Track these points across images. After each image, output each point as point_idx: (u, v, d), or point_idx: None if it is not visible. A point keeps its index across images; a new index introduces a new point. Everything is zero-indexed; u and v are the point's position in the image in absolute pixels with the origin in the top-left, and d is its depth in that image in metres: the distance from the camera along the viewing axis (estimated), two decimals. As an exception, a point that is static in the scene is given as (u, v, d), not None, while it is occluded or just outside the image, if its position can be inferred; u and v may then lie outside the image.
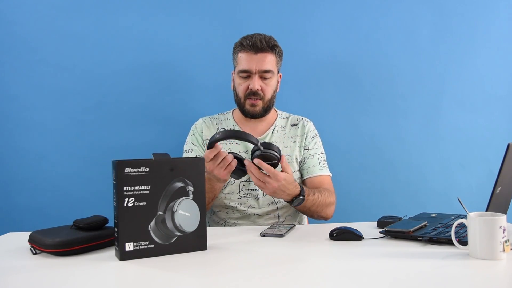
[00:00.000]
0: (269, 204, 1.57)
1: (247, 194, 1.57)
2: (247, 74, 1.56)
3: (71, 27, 1.88)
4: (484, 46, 2.02)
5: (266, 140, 1.61)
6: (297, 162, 1.63)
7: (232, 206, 1.58)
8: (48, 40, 1.88)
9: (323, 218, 1.57)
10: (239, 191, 1.57)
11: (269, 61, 1.55)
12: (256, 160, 1.30)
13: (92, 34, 1.89)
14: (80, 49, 1.89)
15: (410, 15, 2.00)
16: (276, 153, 1.33)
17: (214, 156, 1.31)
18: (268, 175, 1.31)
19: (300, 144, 1.64)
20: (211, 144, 1.31)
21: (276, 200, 1.57)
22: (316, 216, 1.55)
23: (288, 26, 1.96)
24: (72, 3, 1.88)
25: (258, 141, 1.32)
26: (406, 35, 2.00)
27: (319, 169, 1.63)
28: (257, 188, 1.56)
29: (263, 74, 1.55)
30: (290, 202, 1.42)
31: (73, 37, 1.89)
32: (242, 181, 1.56)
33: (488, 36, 2.02)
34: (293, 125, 1.68)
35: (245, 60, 1.55)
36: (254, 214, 1.57)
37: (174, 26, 1.92)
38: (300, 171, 1.65)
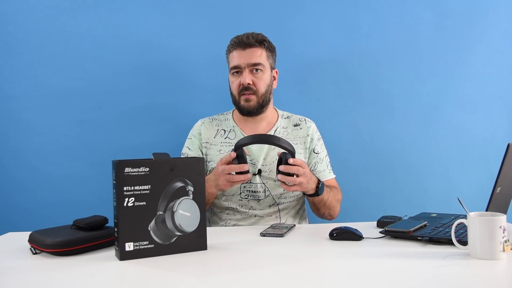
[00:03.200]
0: (270, 206, 1.57)
1: (248, 196, 1.57)
2: (238, 70, 1.57)
3: (71, 27, 1.88)
4: (484, 46, 2.02)
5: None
6: None
7: (233, 208, 1.58)
8: (48, 40, 1.88)
9: (331, 217, 1.59)
10: (240, 193, 1.57)
11: (258, 55, 1.57)
12: (291, 160, 1.32)
13: (92, 34, 1.89)
14: (80, 49, 1.89)
15: (410, 15, 2.00)
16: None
17: (234, 163, 1.32)
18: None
19: (304, 146, 1.64)
20: (238, 147, 1.34)
21: (278, 201, 1.57)
22: (327, 213, 1.57)
23: (288, 26, 1.96)
24: (72, 3, 1.88)
25: (292, 146, 1.36)
26: (406, 35, 2.00)
27: (328, 173, 1.66)
28: (258, 189, 1.56)
29: (253, 68, 1.56)
30: (314, 193, 1.43)
31: (73, 37, 1.89)
32: (243, 183, 1.56)
33: (488, 36, 2.01)
34: (295, 125, 1.67)
35: (234, 57, 1.58)
36: (255, 216, 1.57)
37: (173, 26, 1.92)
38: None
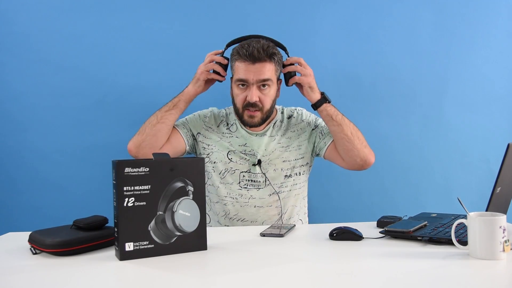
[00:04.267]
0: (270, 195, 1.57)
1: (247, 185, 1.57)
2: (244, 84, 1.52)
3: (71, 27, 1.88)
4: (484, 46, 2.02)
5: (267, 135, 1.60)
6: (297, 151, 1.61)
7: (233, 197, 1.57)
8: (48, 40, 1.88)
9: (362, 161, 1.58)
10: (240, 182, 1.57)
11: (267, 70, 1.50)
12: (287, 62, 1.56)
13: (92, 34, 1.89)
14: (80, 49, 1.89)
15: (410, 15, 2.00)
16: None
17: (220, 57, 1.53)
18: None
19: (302, 131, 1.63)
20: (230, 44, 1.55)
21: (278, 190, 1.57)
22: (356, 150, 1.55)
23: (289, 26, 1.96)
24: (72, 3, 1.88)
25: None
26: (406, 35, 2.00)
27: None
28: (258, 179, 1.56)
29: (261, 84, 1.51)
30: (319, 101, 1.54)
31: (73, 37, 1.89)
32: (243, 172, 1.56)
33: (488, 36, 2.02)
34: (289, 117, 1.67)
35: (242, 70, 1.50)
36: (255, 206, 1.57)
37: (174, 26, 1.92)
38: (319, 146, 1.62)
